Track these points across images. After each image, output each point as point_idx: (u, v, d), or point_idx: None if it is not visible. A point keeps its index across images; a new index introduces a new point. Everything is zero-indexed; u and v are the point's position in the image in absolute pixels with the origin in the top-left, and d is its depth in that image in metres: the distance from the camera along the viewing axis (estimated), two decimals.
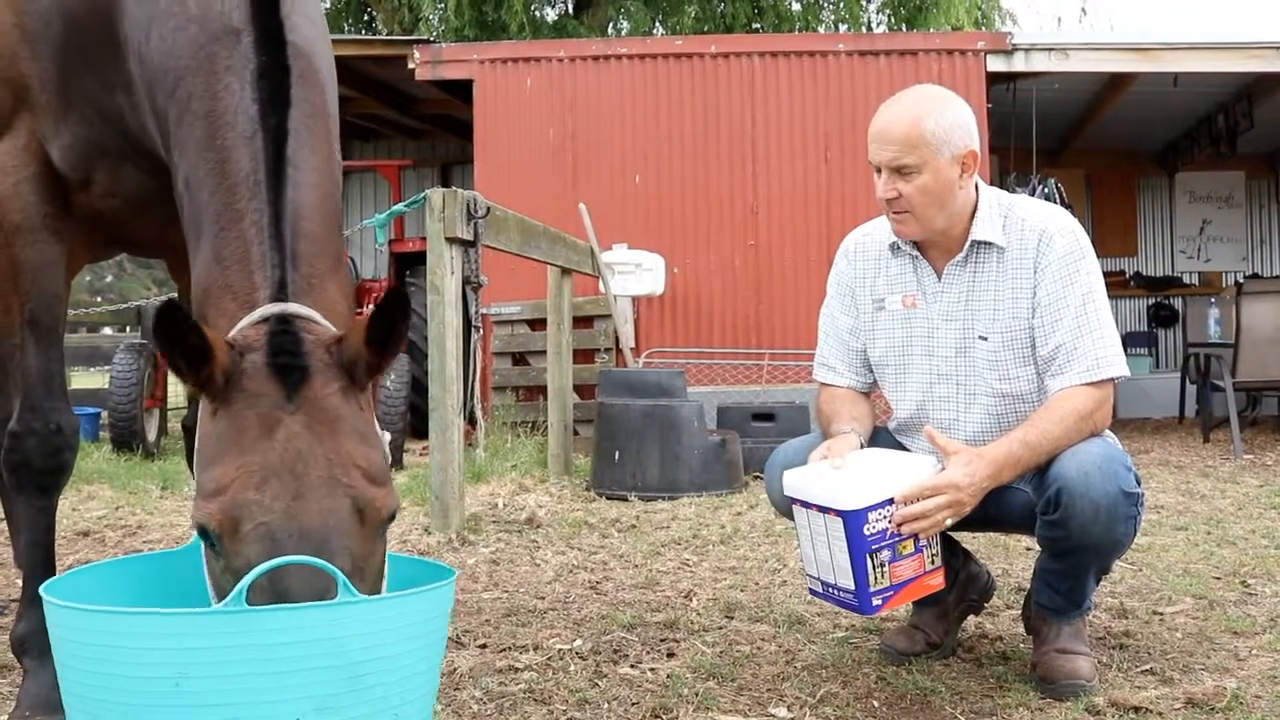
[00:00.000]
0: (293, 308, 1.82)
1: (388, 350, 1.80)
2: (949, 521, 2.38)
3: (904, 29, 15.24)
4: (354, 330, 1.81)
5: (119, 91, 2.25)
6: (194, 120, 1.99)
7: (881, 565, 2.35)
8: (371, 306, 7.23)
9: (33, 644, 2.38)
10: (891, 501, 2.36)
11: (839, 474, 2.41)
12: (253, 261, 1.87)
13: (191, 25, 2.03)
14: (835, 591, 2.43)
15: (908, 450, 2.82)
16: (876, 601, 2.36)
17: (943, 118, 2.54)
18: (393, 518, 1.78)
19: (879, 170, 2.60)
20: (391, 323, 1.77)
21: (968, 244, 2.64)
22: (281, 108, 1.95)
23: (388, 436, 1.93)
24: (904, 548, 2.38)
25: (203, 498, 1.69)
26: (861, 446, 2.63)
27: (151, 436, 8.04)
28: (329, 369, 1.77)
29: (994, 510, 2.49)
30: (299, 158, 1.95)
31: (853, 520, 2.32)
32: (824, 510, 2.38)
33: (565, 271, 6.77)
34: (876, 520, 2.33)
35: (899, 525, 2.36)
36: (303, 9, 2.13)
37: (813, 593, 2.55)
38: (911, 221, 2.61)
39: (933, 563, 2.45)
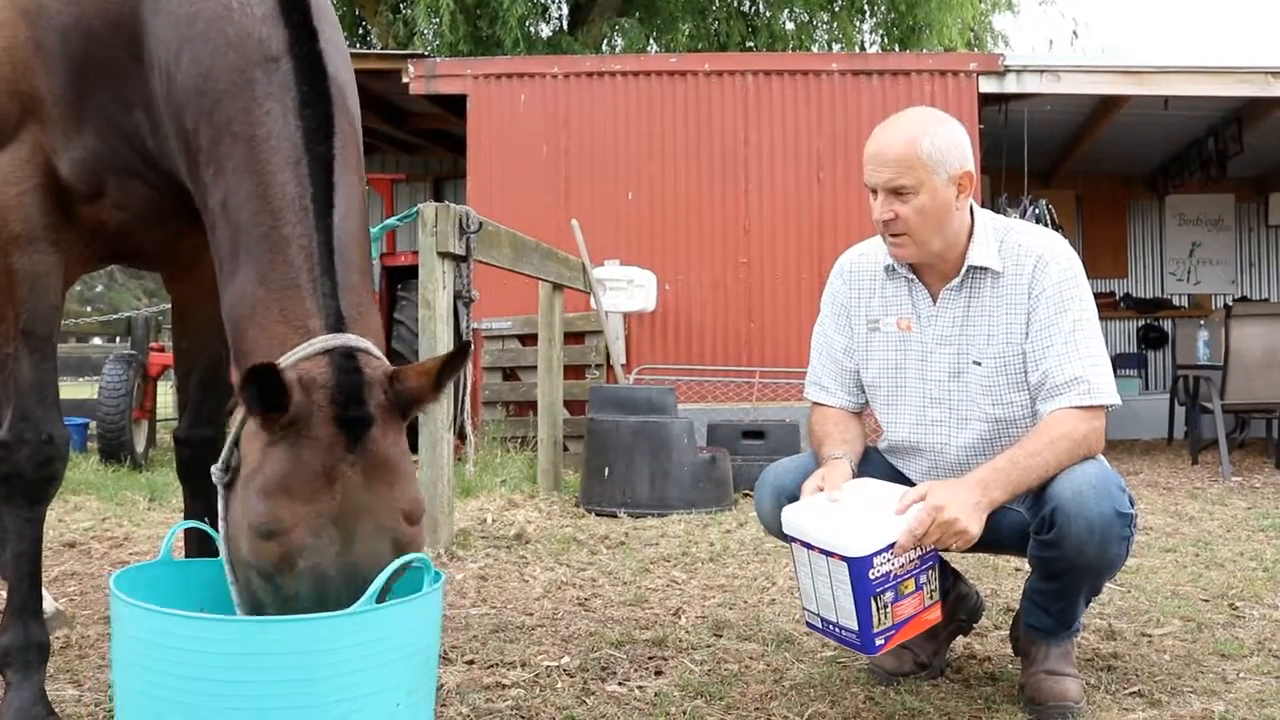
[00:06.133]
0: (353, 340, 1.88)
1: (441, 388, 1.91)
2: (955, 544, 2.37)
3: (897, 49, 15.31)
4: (418, 372, 1.89)
5: (138, 109, 2.26)
6: (233, 143, 2.03)
7: (885, 606, 2.34)
8: None
9: (16, 656, 2.36)
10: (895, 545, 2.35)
11: (841, 516, 2.40)
12: (304, 287, 1.92)
13: (230, 50, 2.06)
14: (836, 630, 2.41)
15: (899, 471, 2.82)
16: (880, 641, 2.35)
17: (938, 138, 2.54)
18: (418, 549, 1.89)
19: (875, 192, 2.58)
20: (456, 368, 1.89)
21: (964, 269, 2.64)
22: (326, 136, 2.01)
23: (415, 458, 2.00)
24: (905, 587, 2.37)
25: (260, 536, 1.77)
26: (853, 473, 2.62)
27: (140, 448, 8.01)
28: (387, 412, 1.86)
29: (987, 530, 2.49)
30: (341, 187, 2.00)
31: (858, 566, 2.31)
32: (827, 554, 2.36)
33: (557, 287, 6.77)
34: (881, 564, 2.32)
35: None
36: (330, 37, 2.17)
37: (810, 627, 2.52)
38: (909, 244, 2.60)
39: (931, 598, 2.45)
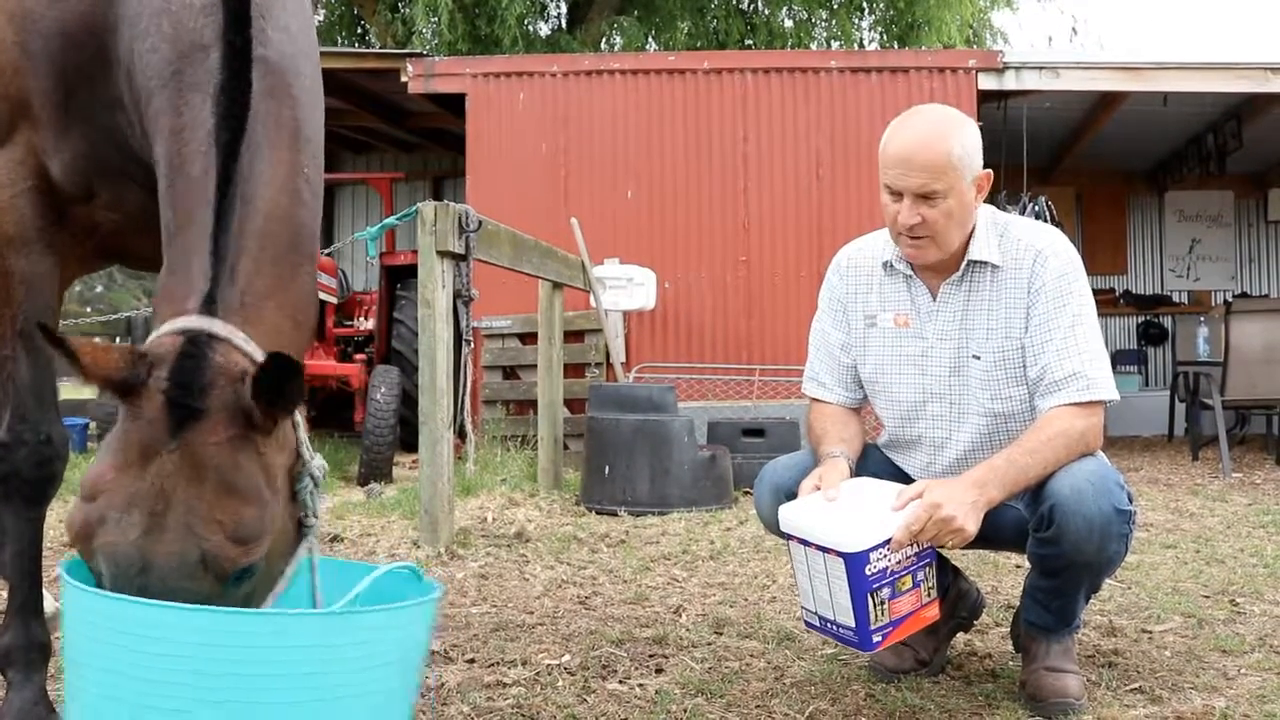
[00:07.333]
0: (214, 326, 1.80)
1: (278, 409, 1.76)
2: (951, 541, 2.37)
3: (896, 47, 15.31)
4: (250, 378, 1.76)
5: (118, 110, 2.26)
6: (161, 137, 2.01)
7: (882, 603, 2.33)
8: (363, 320, 7.18)
9: (17, 656, 2.36)
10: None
11: (838, 513, 2.40)
12: (192, 270, 1.87)
13: (164, 44, 2.04)
14: (834, 627, 2.41)
15: (898, 468, 2.82)
16: (877, 638, 2.35)
17: (966, 141, 2.52)
18: (249, 570, 1.74)
19: (897, 195, 2.54)
20: (277, 385, 1.72)
21: (964, 263, 2.63)
22: (238, 121, 1.95)
23: (318, 461, 1.89)
24: (903, 584, 2.37)
25: (80, 497, 1.72)
26: (851, 471, 2.61)
27: None
28: (224, 410, 1.74)
29: (986, 527, 2.49)
30: (253, 172, 1.94)
31: (855, 562, 2.30)
32: (824, 550, 2.35)
33: (556, 286, 6.77)
34: (878, 560, 2.32)
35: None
36: (280, 23, 2.11)
37: (809, 625, 2.52)
38: (932, 247, 2.57)
39: (929, 595, 2.44)
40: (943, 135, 2.51)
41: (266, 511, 1.77)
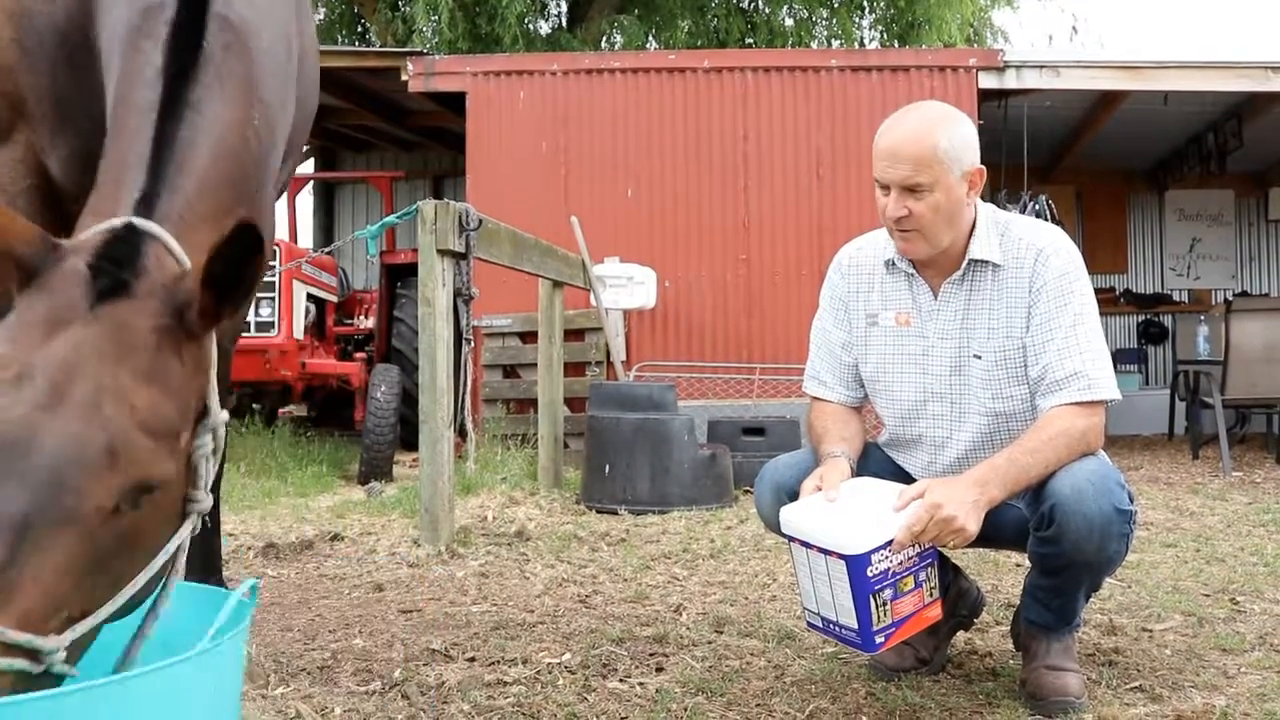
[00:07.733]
0: (148, 225, 1.66)
1: (229, 298, 1.56)
2: (952, 541, 2.37)
3: (896, 45, 15.31)
4: (194, 268, 1.60)
5: (103, 99, 2.28)
6: (111, 79, 2.00)
7: (884, 604, 2.33)
8: (363, 318, 7.16)
9: None
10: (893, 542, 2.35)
11: (839, 514, 2.39)
12: (123, 183, 1.77)
13: (123, 7, 2.05)
14: (836, 628, 2.41)
15: (899, 467, 2.82)
16: (879, 639, 2.35)
17: (955, 136, 2.52)
18: (151, 489, 1.48)
19: (886, 188, 2.55)
20: (238, 263, 1.52)
21: (965, 262, 2.63)
22: (189, 62, 1.92)
23: (223, 416, 1.67)
24: (904, 584, 2.37)
25: None
26: (852, 470, 2.61)
27: None
28: (154, 301, 1.57)
29: (987, 526, 2.48)
30: (204, 105, 1.90)
31: (856, 564, 2.30)
32: (826, 552, 2.35)
33: (557, 284, 6.77)
34: (879, 561, 2.32)
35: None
36: None
37: (811, 626, 2.52)
38: (919, 240, 2.57)
39: (931, 595, 2.44)
40: (929, 129, 2.51)
41: (186, 418, 1.57)
